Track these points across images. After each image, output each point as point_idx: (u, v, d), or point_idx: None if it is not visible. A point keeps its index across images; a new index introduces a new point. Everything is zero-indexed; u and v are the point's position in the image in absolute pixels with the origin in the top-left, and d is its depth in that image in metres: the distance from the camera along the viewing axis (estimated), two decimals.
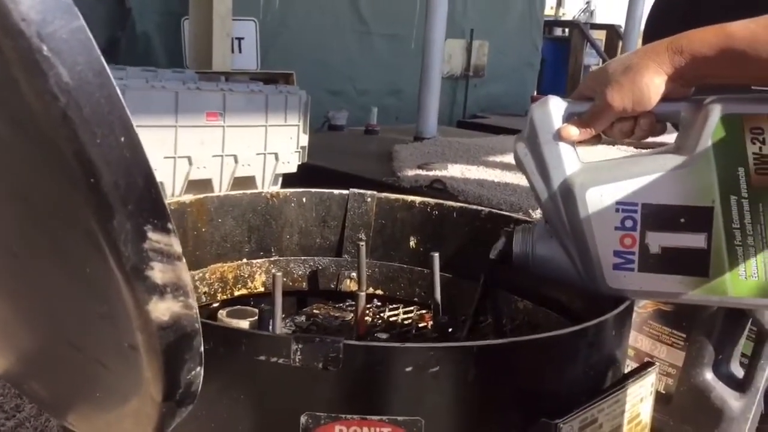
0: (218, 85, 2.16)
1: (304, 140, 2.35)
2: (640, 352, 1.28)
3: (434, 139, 3.34)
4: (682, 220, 0.74)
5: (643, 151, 0.84)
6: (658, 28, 1.44)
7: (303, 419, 0.67)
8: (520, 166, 0.82)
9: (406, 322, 1.19)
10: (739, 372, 1.21)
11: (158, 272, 0.43)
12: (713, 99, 0.74)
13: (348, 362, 0.66)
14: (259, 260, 1.20)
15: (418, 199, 1.23)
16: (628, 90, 0.74)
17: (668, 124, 0.80)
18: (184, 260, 0.45)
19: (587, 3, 9.80)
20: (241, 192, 1.19)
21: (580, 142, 0.80)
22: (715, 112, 0.73)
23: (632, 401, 0.81)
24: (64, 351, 0.60)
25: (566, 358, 0.75)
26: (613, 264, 0.77)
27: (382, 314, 1.21)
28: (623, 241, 0.77)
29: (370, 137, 3.67)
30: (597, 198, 0.77)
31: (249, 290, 1.20)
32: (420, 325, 1.16)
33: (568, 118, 0.80)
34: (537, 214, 1.89)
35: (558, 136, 0.79)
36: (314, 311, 1.21)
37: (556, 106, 0.80)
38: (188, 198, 1.12)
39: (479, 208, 1.21)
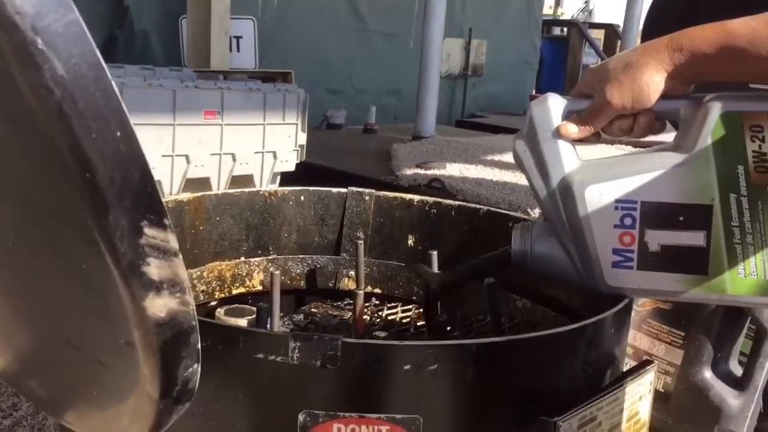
0: (216, 83, 2.16)
1: (303, 139, 2.34)
2: (639, 351, 1.27)
3: (433, 138, 3.34)
4: (682, 218, 0.74)
5: (642, 149, 0.84)
6: (656, 27, 1.44)
7: (301, 417, 0.67)
8: (519, 164, 0.82)
9: (404, 320, 1.18)
10: (737, 370, 1.21)
11: (155, 268, 0.43)
12: (713, 97, 0.74)
13: (346, 360, 0.65)
14: (257, 259, 1.20)
15: (416, 197, 1.23)
16: (627, 87, 0.74)
17: (667, 124, 0.80)
18: (180, 256, 0.45)
19: (586, 2, 9.81)
20: (239, 190, 1.19)
21: (580, 140, 0.80)
22: (715, 109, 0.73)
23: (631, 399, 0.80)
24: (62, 349, 0.60)
25: (565, 356, 0.75)
26: (612, 262, 0.77)
27: (380, 313, 1.20)
28: (622, 239, 0.76)
29: (368, 136, 3.67)
30: (596, 196, 0.77)
31: (247, 289, 1.20)
32: (418, 324, 1.16)
33: (567, 115, 0.79)
34: (536, 213, 1.89)
35: (557, 134, 0.79)
36: (312, 310, 1.21)
37: (555, 104, 0.80)
38: (186, 196, 1.12)
39: (478, 206, 1.21)
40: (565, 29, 7.56)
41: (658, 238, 0.75)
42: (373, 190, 1.24)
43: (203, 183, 2.11)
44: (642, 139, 0.83)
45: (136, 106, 1.88)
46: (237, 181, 2.19)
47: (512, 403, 0.73)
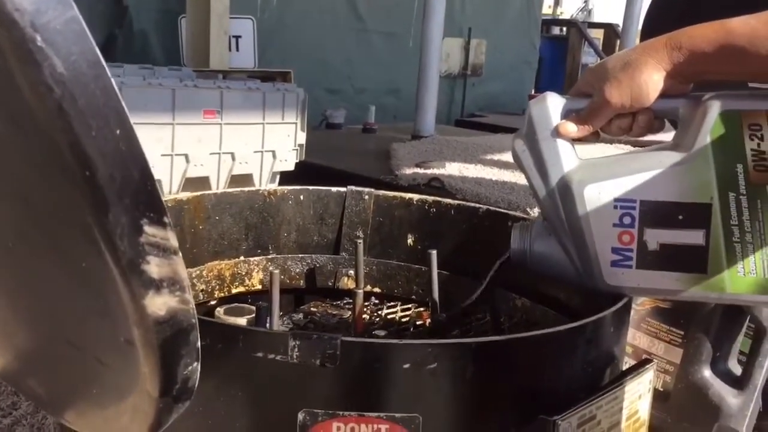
0: (215, 82, 2.16)
1: (302, 138, 2.34)
2: (638, 350, 1.27)
3: (432, 137, 3.34)
4: (681, 216, 0.74)
5: (641, 148, 0.84)
6: (655, 26, 1.44)
7: (301, 416, 0.67)
8: (518, 163, 0.82)
9: (403, 319, 1.18)
10: (737, 369, 1.21)
11: (154, 266, 0.43)
12: (712, 95, 0.74)
13: (346, 359, 0.65)
14: (256, 258, 1.20)
15: (415, 196, 1.23)
16: (626, 86, 0.74)
17: (666, 123, 0.80)
18: (180, 254, 0.45)
19: (585, 2, 9.81)
20: (238, 189, 1.19)
21: (579, 139, 0.80)
22: (714, 108, 0.73)
23: (630, 398, 0.80)
24: (61, 348, 0.60)
25: (564, 355, 0.75)
26: (611, 261, 0.77)
27: (379, 312, 1.20)
28: (621, 238, 0.76)
29: (367, 135, 3.67)
30: (595, 195, 0.77)
31: (246, 288, 1.20)
32: (418, 323, 1.16)
33: (567, 114, 0.79)
34: (535, 212, 1.89)
35: (556, 133, 0.79)
36: (312, 309, 1.21)
37: (554, 103, 0.80)
38: (185, 195, 1.12)
39: (477, 205, 1.21)
40: (565, 29, 7.56)
41: (657, 237, 0.75)
42: (373, 190, 1.24)
43: (202, 182, 2.11)
44: (641, 138, 0.83)
45: (135, 106, 1.88)
46: (236, 180, 2.19)
47: (511, 402, 0.73)
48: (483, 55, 5.45)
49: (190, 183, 2.08)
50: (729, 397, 1.18)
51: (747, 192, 0.72)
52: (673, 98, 0.75)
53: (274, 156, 2.28)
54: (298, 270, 1.23)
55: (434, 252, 1.12)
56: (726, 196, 0.72)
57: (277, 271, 1.01)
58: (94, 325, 0.53)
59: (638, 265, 0.77)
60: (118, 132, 0.38)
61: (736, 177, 0.72)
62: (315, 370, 0.65)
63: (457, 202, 1.22)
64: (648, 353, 1.26)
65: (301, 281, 1.23)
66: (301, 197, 1.22)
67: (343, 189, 1.23)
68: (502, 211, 1.19)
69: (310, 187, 1.23)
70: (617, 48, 5.94)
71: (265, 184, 2.26)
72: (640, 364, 0.84)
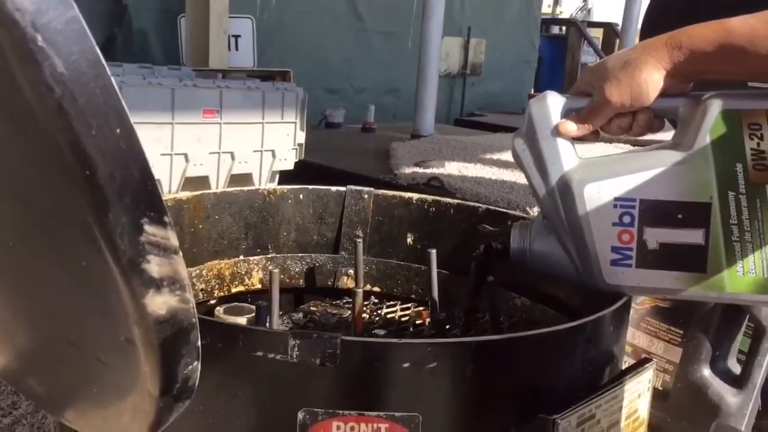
0: (215, 82, 2.16)
1: (301, 137, 2.35)
2: (638, 349, 1.28)
3: (431, 137, 3.35)
4: (680, 216, 0.74)
5: (641, 147, 0.84)
6: (655, 26, 1.44)
7: (300, 415, 0.67)
8: (518, 162, 0.82)
9: (403, 319, 1.18)
10: (736, 368, 1.21)
11: (155, 266, 0.43)
12: (711, 95, 0.74)
13: (345, 358, 0.65)
14: (256, 257, 1.20)
15: (415, 195, 1.23)
16: (626, 85, 0.74)
17: (666, 122, 0.80)
18: (180, 254, 0.45)
19: (584, 1, 9.81)
20: (238, 189, 1.19)
21: (578, 138, 0.80)
22: (714, 107, 0.73)
23: (630, 397, 0.80)
24: (61, 347, 0.60)
25: (564, 354, 0.75)
26: (611, 260, 0.77)
27: (379, 311, 1.20)
28: (621, 237, 0.77)
29: (367, 135, 3.67)
30: (595, 194, 0.77)
31: (246, 287, 1.20)
32: (417, 322, 1.16)
33: (566, 113, 0.79)
34: (534, 211, 1.89)
35: (556, 132, 0.79)
36: (311, 308, 1.21)
37: (554, 102, 0.80)
38: (185, 195, 1.12)
39: (476, 204, 1.21)
40: (564, 28, 7.57)
41: (656, 236, 0.75)
42: (372, 189, 1.24)
43: (202, 181, 2.11)
44: (641, 138, 0.83)
45: (135, 105, 1.88)
46: (236, 179, 2.19)
47: (511, 401, 0.73)
48: (482, 54, 5.45)
49: (189, 182, 2.08)
50: (728, 396, 1.19)
51: (746, 191, 0.72)
52: (673, 97, 0.76)
53: (273, 155, 2.29)
54: (297, 269, 1.23)
55: (434, 251, 1.12)
56: (725, 196, 0.72)
57: (276, 271, 1.01)
58: (95, 324, 0.53)
59: (638, 264, 0.77)
60: (118, 131, 0.38)
61: (735, 176, 0.72)
62: (315, 369, 0.65)
63: (456, 201, 1.22)
64: (647, 352, 1.26)
65: (301, 280, 1.23)
66: (301, 196, 1.22)
67: (342, 188, 1.23)
68: (502, 210, 1.19)
69: (310, 187, 1.23)
70: (616, 47, 5.94)
71: (264, 183, 2.27)
72: (640, 363, 0.84)
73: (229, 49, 3.19)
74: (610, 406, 0.77)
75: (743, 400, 1.18)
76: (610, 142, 2.69)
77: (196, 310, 0.48)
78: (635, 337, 1.28)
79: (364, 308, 1.17)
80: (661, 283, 0.77)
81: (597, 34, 7.20)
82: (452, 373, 0.69)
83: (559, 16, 9.71)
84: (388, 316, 1.19)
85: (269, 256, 1.21)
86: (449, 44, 5.07)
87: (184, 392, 0.51)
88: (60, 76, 0.36)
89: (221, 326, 0.76)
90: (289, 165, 2.34)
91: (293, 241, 1.23)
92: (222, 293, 1.17)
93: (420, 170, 2.52)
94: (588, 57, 6.74)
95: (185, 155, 2.06)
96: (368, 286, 1.22)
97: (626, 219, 0.76)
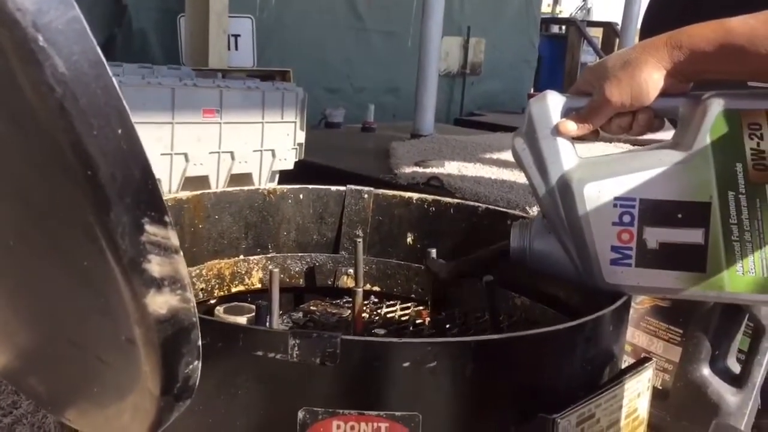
0: (215, 81, 2.16)
1: (301, 137, 2.35)
2: (637, 348, 1.28)
3: (431, 136, 3.35)
4: (680, 215, 0.74)
5: (641, 147, 0.84)
6: (655, 25, 1.44)
7: (300, 414, 0.67)
8: (518, 161, 0.82)
9: (403, 318, 1.19)
10: (735, 367, 1.21)
11: (156, 265, 0.43)
12: (711, 94, 0.74)
13: (345, 358, 0.66)
14: (256, 257, 1.20)
15: (415, 195, 1.23)
16: (626, 85, 0.74)
17: (666, 122, 0.80)
18: (181, 253, 0.45)
19: (584, 0, 9.81)
20: (238, 188, 1.19)
21: (578, 138, 0.80)
22: (714, 107, 0.73)
23: (629, 396, 0.81)
24: (62, 347, 0.60)
25: (564, 354, 0.75)
26: (611, 259, 0.77)
27: (379, 311, 1.21)
28: (621, 236, 0.77)
29: (367, 134, 3.67)
30: (595, 193, 0.77)
31: (246, 287, 1.20)
32: (417, 322, 1.16)
33: (566, 113, 0.79)
34: (534, 210, 1.90)
35: (556, 131, 0.79)
36: (311, 308, 1.21)
37: (554, 101, 0.80)
38: (185, 195, 1.12)
39: (476, 204, 1.21)
40: (564, 27, 7.57)
41: (656, 236, 0.76)
42: (372, 189, 1.24)
43: (202, 181, 2.11)
44: (641, 137, 0.83)
45: (134, 105, 1.88)
46: (236, 179, 2.19)
47: (511, 401, 0.73)
48: (482, 53, 5.45)
49: (189, 182, 2.08)
50: (728, 395, 1.19)
51: (746, 191, 0.72)
52: (673, 97, 0.76)
53: (273, 155, 2.29)
54: (297, 269, 1.23)
55: (434, 251, 1.12)
56: (725, 195, 0.72)
57: (276, 270, 1.01)
58: (95, 323, 0.53)
59: (637, 264, 0.77)
60: (119, 131, 0.39)
61: (735, 176, 0.72)
62: (315, 368, 0.66)
63: (456, 200, 1.23)
64: (647, 352, 1.26)
65: (301, 280, 1.23)
66: (301, 196, 1.22)
67: (342, 188, 1.23)
68: (502, 209, 1.19)
69: (310, 186, 1.23)
70: (616, 47, 5.94)
71: (264, 183, 2.27)
72: (639, 363, 0.84)
73: (229, 48, 3.19)
74: (609, 406, 0.77)
75: (743, 399, 1.18)
76: (610, 142, 2.69)
77: (196, 310, 0.48)
78: (635, 336, 1.28)
79: (364, 308, 1.17)
80: (661, 283, 0.77)
81: (596, 33, 7.21)
82: (452, 373, 0.69)
83: (559, 16, 9.71)
84: (388, 315, 1.19)
85: (269, 255, 1.21)
86: (449, 44, 5.07)
87: (184, 391, 0.51)
88: (61, 76, 0.36)
89: (221, 326, 0.76)
90: (289, 165, 2.34)
91: (293, 241, 1.23)
92: (222, 293, 1.17)
93: (420, 170, 2.53)
94: (587, 56, 6.74)
95: (185, 155, 2.06)
96: (368, 286, 1.23)
97: (626, 218, 0.76)
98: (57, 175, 0.42)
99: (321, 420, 0.67)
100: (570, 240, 0.79)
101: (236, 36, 3.50)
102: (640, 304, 1.28)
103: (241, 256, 1.19)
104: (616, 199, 0.76)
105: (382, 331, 1.11)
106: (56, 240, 0.50)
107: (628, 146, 2.61)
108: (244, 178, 2.23)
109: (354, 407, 0.67)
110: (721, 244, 0.73)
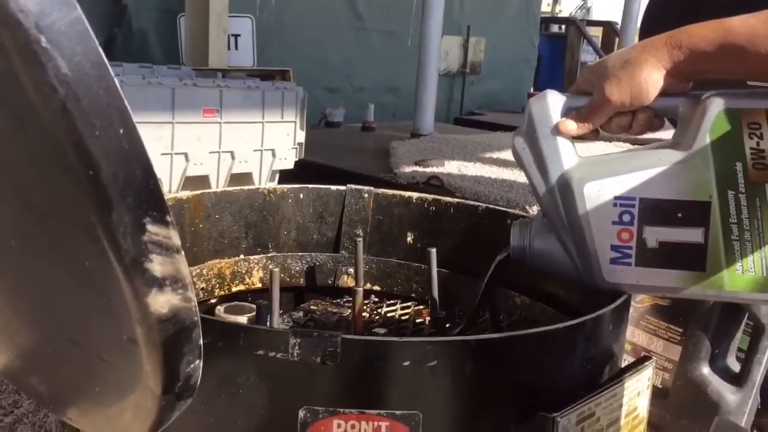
0: (215, 81, 2.16)
1: (301, 137, 2.35)
2: (637, 347, 1.28)
3: (431, 136, 3.35)
4: (680, 214, 0.74)
5: (641, 146, 0.84)
6: (654, 24, 1.44)
7: (301, 413, 0.67)
8: (518, 161, 0.82)
9: (403, 317, 1.19)
10: (735, 366, 1.22)
11: (157, 265, 0.43)
12: (711, 94, 0.74)
13: (346, 357, 0.66)
14: (256, 256, 1.20)
15: (415, 194, 1.24)
16: (626, 84, 0.74)
17: (666, 121, 0.80)
18: (182, 253, 0.45)
19: (583, 0, 9.81)
20: (238, 188, 1.19)
21: (578, 137, 0.80)
22: (713, 107, 0.73)
23: (629, 395, 0.81)
24: (64, 346, 0.60)
25: (564, 353, 0.76)
26: (611, 258, 0.78)
27: (379, 310, 1.21)
28: (620, 235, 0.77)
29: (367, 134, 3.67)
30: (595, 192, 0.77)
31: (246, 286, 1.20)
32: (417, 321, 1.17)
33: (567, 112, 0.80)
34: (534, 210, 1.90)
35: (556, 131, 0.79)
36: (311, 307, 1.21)
37: (554, 101, 0.80)
38: (185, 194, 1.12)
39: (476, 203, 1.22)
40: (563, 27, 7.57)
41: (656, 235, 0.76)
42: (372, 188, 1.24)
43: (202, 181, 2.12)
44: (640, 137, 0.84)
45: (135, 105, 1.88)
46: (236, 179, 2.20)
47: (511, 399, 0.73)
48: (482, 53, 5.45)
49: (189, 182, 2.08)
50: (727, 394, 1.19)
51: (746, 190, 0.72)
52: (673, 97, 0.76)
53: (273, 154, 2.29)
54: (298, 268, 1.23)
55: (434, 250, 1.13)
56: (725, 195, 0.73)
57: (277, 270, 1.01)
58: (97, 323, 0.54)
59: (637, 263, 0.77)
60: (121, 131, 0.39)
61: (735, 175, 0.72)
62: (315, 367, 0.66)
63: (456, 200, 1.23)
64: (647, 350, 1.26)
65: (301, 279, 1.23)
66: (301, 196, 1.22)
67: (342, 187, 1.24)
68: (501, 209, 1.19)
69: (310, 186, 1.24)
70: (616, 46, 5.94)
71: (264, 182, 2.27)
72: (639, 362, 0.85)
73: (229, 48, 3.19)
74: (609, 404, 0.77)
75: (742, 398, 1.18)
76: (610, 141, 2.69)
77: (198, 309, 0.49)
78: (635, 335, 1.28)
79: (365, 307, 1.17)
80: (661, 282, 0.77)
81: (596, 32, 7.20)
82: (452, 372, 0.69)
83: (559, 15, 9.71)
84: (389, 314, 1.19)
85: (269, 255, 1.21)
86: (449, 43, 5.07)
87: (186, 391, 0.51)
88: (64, 76, 0.36)
89: (222, 325, 0.76)
90: (289, 164, 2.34)
91: (293, 240, 1.23)
92: (222, 292, 1.17)
93: (420, 169, 2.53)
94: (587, 56, 6.74)
95: (185, 155, 2.06)
96: (368, 285, 1.23)
97: (626, 217, 0.76)
98: (59, 175, 0.42)
99: (322, 419, 0.67)
100: (570, 239, 0.80)
101: (236, 36, 3.50)
102: (639, 303, 1.28)
103: (242, 256, 1.19)
104: (616, 198, 0.76)
105: (382, 331, 1.12)
106: (57, 240, 0.50)
107: (628, 146, 2.61)
108: (244, 177, 2.23)
109: (354, 406, 0.68)
110: (721, 244, 0.74)
